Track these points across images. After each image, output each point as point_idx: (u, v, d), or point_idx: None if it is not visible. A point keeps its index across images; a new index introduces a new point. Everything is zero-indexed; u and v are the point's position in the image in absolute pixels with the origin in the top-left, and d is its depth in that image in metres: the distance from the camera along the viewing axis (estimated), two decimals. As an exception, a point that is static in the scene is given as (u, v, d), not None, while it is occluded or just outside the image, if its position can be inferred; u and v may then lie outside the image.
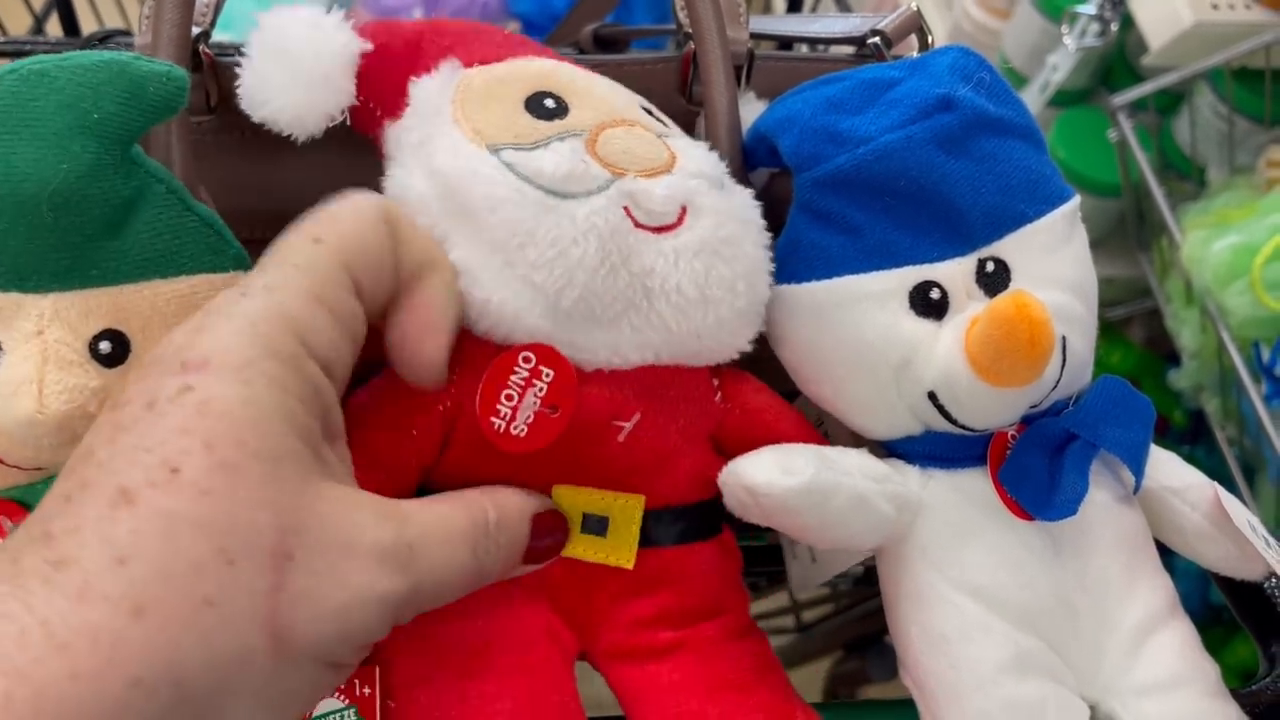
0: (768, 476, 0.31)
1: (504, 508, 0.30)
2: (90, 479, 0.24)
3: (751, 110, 0.39)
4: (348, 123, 0.34)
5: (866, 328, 0.33)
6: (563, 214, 0.30)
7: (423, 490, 0.32)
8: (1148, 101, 0.82)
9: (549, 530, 0.31)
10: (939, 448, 0.34)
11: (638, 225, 0.31)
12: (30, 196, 0.28)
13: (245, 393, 0.24)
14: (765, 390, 0.36)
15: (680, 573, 0.33)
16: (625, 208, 0.31)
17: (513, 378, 0.30)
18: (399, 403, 0.31)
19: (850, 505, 0.31)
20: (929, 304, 0.33)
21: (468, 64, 0.34)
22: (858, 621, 0.75)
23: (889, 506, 0.32)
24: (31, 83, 0.29)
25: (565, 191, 0.30)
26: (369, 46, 0.34)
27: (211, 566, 0.23)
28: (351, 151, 0.35)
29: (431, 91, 0.33)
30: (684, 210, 0.31)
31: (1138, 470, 0.34)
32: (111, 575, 0.22)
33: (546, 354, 0.30)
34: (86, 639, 0.22)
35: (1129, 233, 0.88)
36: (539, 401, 0.30)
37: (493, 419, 0.30)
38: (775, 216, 0.36)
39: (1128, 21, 0.84)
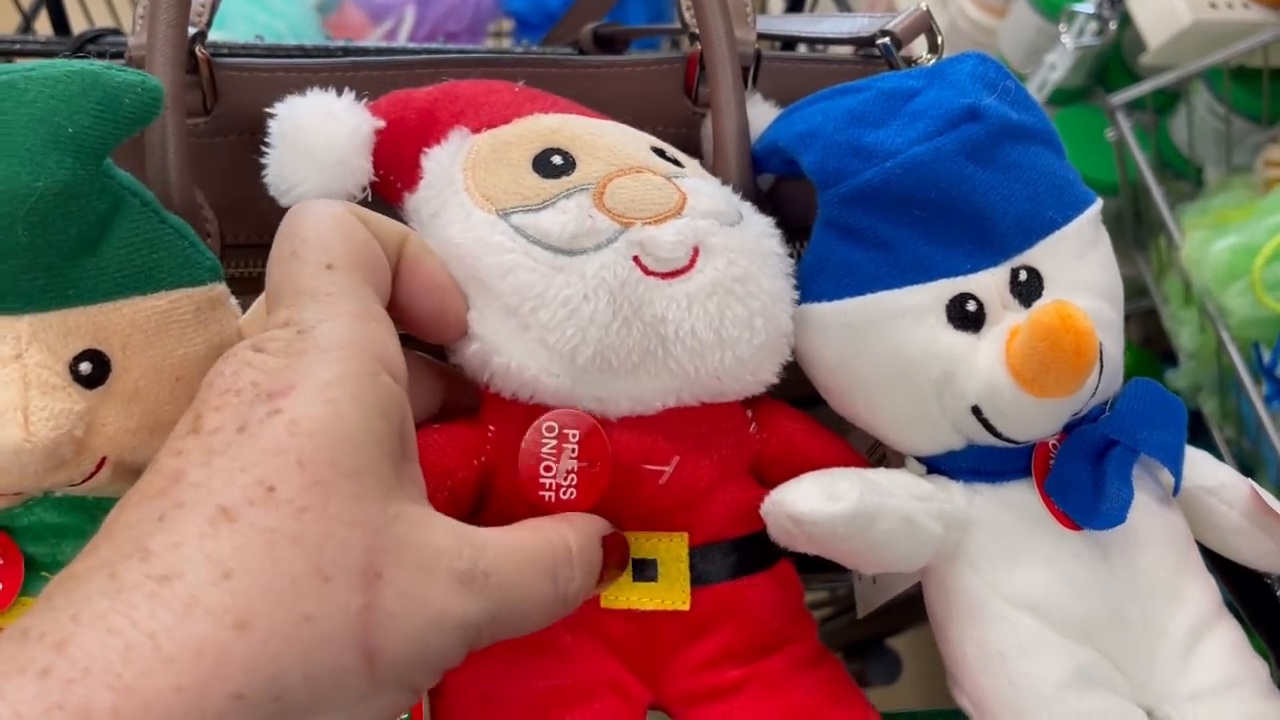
0: (812, 504, 0.30)
1: (582, 534, 0.30)
2: (186, 499, 0.24)
3: (758, 112, 0.39)
4: (369, 198, 0.34)
5: (905, 343, 0.32)
6: (572, 272, 0.30)
7: None
8: (1146, 101, 0.81)
9: (616, 549, 0.31)
10: (982, 462, 0.33)
11: (648, 273, 0.31)
12: (3, 215, 0.27)
13: (331, 410, 0.25)
14: (800, 416, 0.35)
15: (738, 608, 0.33)
16: (635, 257, 0.31)
17: (543, 449, 0.31)
18: (436, 456, 0.31)
19: (898, 526, 0.31)
20: (966, 316, 0.32)
21: (476, 129, 0.34)
22: (857, 624, 0.74)
23: (936, 525, 0.32)
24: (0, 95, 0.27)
25: (574, 249, 0.31)
26: (381, 124, 0.34)
27: (309, 582, 0.23)
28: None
29: (442, 162, 0.33)
30: (696, 251, 0.31)
31: (1177, 472, 0.33)
32: (216, 589, 0.23)
33: (567, 417, 0.31)
34: (191, 652, 0.22)
35: (1126, 232, 0.88)
36: (576, 462, 0.31)
37: (542, 493, 0.31)
38: (779, 219, 0.35)
39: (1124, 20, 0.84)
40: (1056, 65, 0.85)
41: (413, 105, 0.35)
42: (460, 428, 0.32)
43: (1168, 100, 0.87)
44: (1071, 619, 0.32)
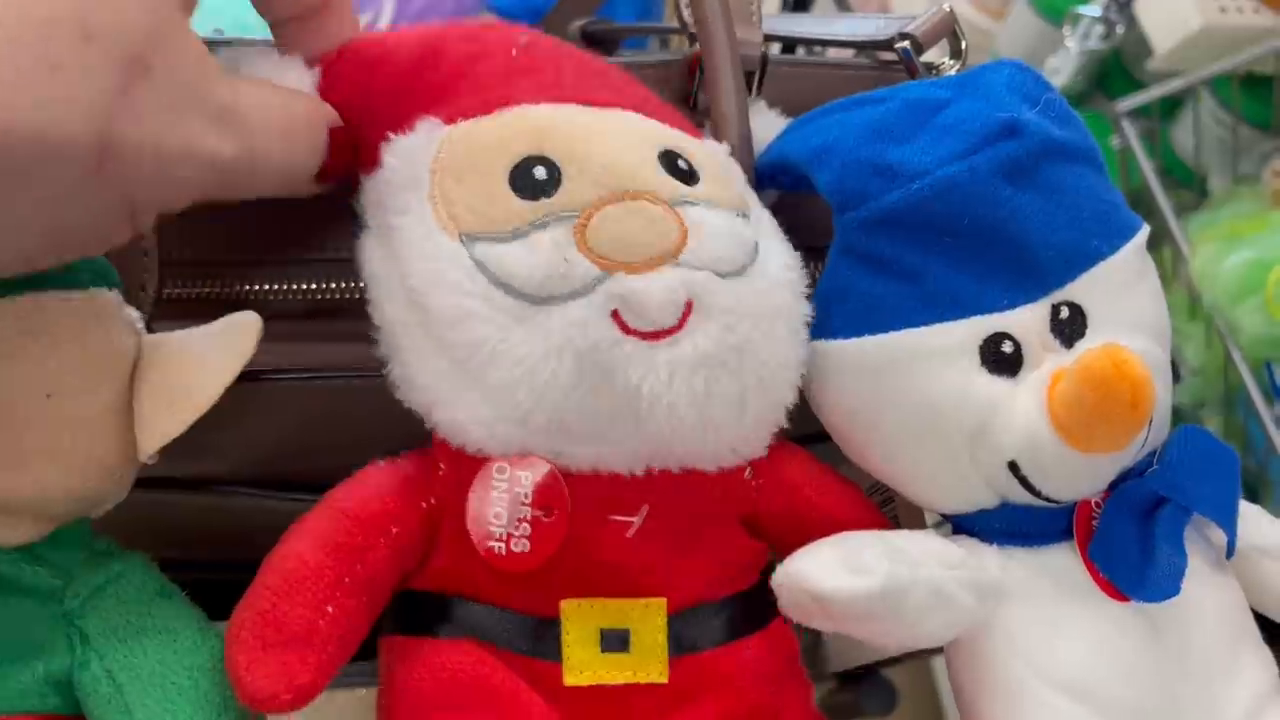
0: (835, 581, 0.27)
1: (306, 104, 0.29)
2: None
3: (763, 121, 0.35)
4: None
5: (934, 389, 0.29)
6: (535, 326, 0.26)
7: (406, 594, 0.29)
8: (1151, 107, 0.80)
9: (339, 147, 0.29)
10: (1017, 522, 0.30)
11: (628, 331, 0.27)
12: None
13: None
14: (805, 459, 0.32)
15: (723, 678, 0.29)
16: (614, 311, 0.27)
17: (493, 494, 0.27)
18: (375, 501, 0.28)
19: (929, 601, 0.28)
20: (1001, 359, 0.29)
21: (450, 119, 0.29)
22: (852, 651, 0.71)
23: (968, 596, 0.29)
24: None
25: (542, 296, 0.26)
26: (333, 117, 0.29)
27: (67, 32, 0.22)
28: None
29: (407, 157, 0.28)
30: (689, 306, 0.27)
31: (1231, 531, 0.30)
32: None
33: (520, 460, 0.27)
34: None
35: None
36: (529, 509, 0.27)
37: (491, 544, 0.27)
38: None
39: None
40: (1059, 70, 0.83)
41: (386, 66, 0.29)
42: (407, 465, 0.29)
43: (1169, 106, 0.85)
44: (1120, 704, 0.29)
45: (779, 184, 0.33)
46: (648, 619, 0.29)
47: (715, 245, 0.28)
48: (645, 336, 0.27)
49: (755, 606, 0.30)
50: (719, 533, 0.30)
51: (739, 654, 0.30)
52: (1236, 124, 0.77)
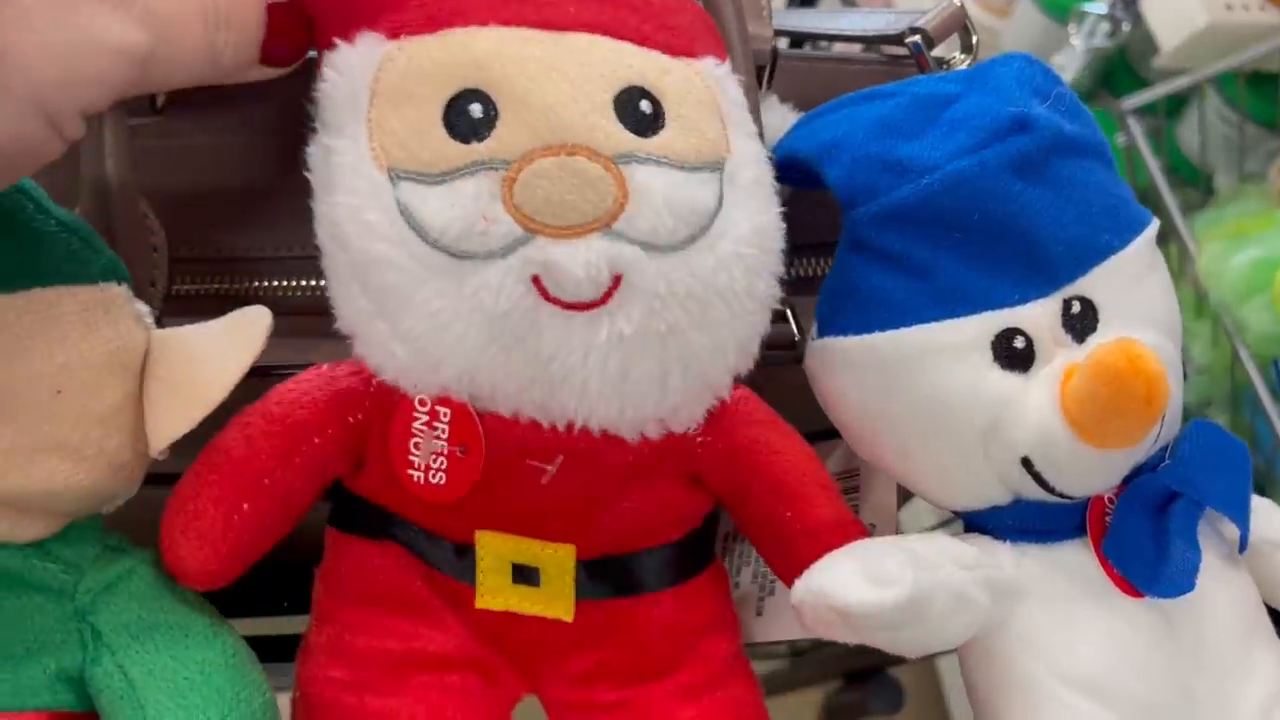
0: (860, 594, 0.26)
1: None
2: None
3: (774, 117, 0.35)
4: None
5: (946, 386, 0.29)
6: (448, 280, 0.25)
7: (348, 494, 0.30)
8: (1157, 105, 0.79)
9: (284, 28, 0.28)
10: (1031, 519, 0.30)
11: (548, 298, 0.26)
12: None
13: None
14: (761, 421, 0.31)
15: (628, 628, 0.30)
16: (535, 276, 0.25)
17: (415, 424, 0.28)
18: (305, 409, 0.29)
19: (951, 606, 0.28)
20: (1013, 354, 0.29)
21: (393, 33, 0.27)
22: (859, 651, 0.71)
23: (984, 596, 0.28)
24: None
25: (459, 251, 0.25)
26: None
27: None
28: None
29: (349, 71, 0.27)
30: (618, 280, 0.26)
31: (1244, 526, 0.30)
32: None
33: (440, 396, 0.27)
34: None
35: (1133, 241, 0.85)
36: (445, 444, 0.27)
37: (410, 471, 0.28)
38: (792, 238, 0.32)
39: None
40: (1065, 68, 0.83)
41: None
42: (345, 374, 0.29)
43: (1175, 104, 0.85)
44: (1135, 701, 0.29)
45: (790, 180, 0.33)
46: (556, 562, 0.29)
47: (656, 214, 0.26)
48: (566, 306, 0.26)
49: (680, 559, 0.31)
50: (649, 488, 0.29)
51: (649, 607, 0.30)
52: (1243, 122, 0.77)
